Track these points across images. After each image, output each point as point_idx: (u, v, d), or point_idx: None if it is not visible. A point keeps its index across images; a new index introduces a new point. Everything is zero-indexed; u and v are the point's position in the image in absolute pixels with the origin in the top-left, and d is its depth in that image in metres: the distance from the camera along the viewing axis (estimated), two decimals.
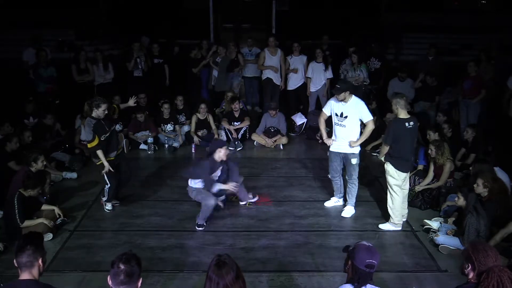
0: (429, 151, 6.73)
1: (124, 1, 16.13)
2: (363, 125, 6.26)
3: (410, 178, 7.07)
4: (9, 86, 10.59)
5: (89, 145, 6.01)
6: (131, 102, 6.76)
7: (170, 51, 11.52)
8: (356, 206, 6.49)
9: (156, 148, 8.98)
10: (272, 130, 9.21)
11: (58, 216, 5.95)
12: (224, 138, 9.19)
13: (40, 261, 3.18)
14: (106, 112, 6.01)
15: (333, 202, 6.60)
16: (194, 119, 9.19)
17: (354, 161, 6.18)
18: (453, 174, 6.85)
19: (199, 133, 9.12)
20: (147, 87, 10.16)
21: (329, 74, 9.95)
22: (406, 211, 6.07)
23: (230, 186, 6.15)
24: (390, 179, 5.82)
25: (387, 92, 10.19)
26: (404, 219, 6.03)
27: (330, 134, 6.38)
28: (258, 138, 9.25)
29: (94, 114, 5.93)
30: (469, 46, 14.43)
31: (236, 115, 9.32)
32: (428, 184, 6.72)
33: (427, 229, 5.83)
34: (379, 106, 10.27)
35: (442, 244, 5.42)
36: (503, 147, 7.99)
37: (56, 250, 5.39)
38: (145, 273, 4.71)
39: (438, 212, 6.32)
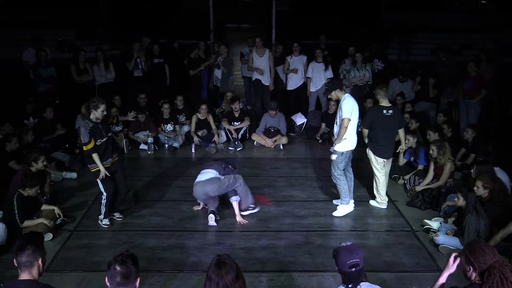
0: (431, 151, 6.73)
1: (124, 1, 16.13)
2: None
3: (410, 178, 7.11)
4: (9, 86, 10.59)
5: (84, 148, 5.69)
6: (130, 117, 6.61)
7: (170, 48, 11.51)
8: (356, 206, 6.49)
9: (156, 148, 8.98)
10: (272, 130, 9.21)
11: (58, 216, 5.95)
12: (224, 138, 9.20)
13: (40, 261, 3.18)
14: (105, 113, 5.77)
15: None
16: (194, 119, 9.19)
17: (333, 157, 6.20)
18: (453, 174, 6.85)
19: (199, 133, 9.12)
20: (147, 87, 10.16)
21: (330, 74, 9.95)
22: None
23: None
24: (371, 164, 6.41)
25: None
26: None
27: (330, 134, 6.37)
28: (258, 138, 9.25)
29: (92, 117, 5.65)
30: (469, 46, 14.43)
31: (236, 115, 9.32)
32: (428, 184, 6.72)
33: (427, 229, 5.83)
34: None
35: (442, 244, 5.42)
36: (503, 147, 7.99)
37: (56, 250, 5.39)
38: (145, 273, 4.74)
39: (438, 212, 6.32)
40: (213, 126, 9.22)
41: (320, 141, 9.29)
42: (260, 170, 7.97)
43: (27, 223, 5.57)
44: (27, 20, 14.89)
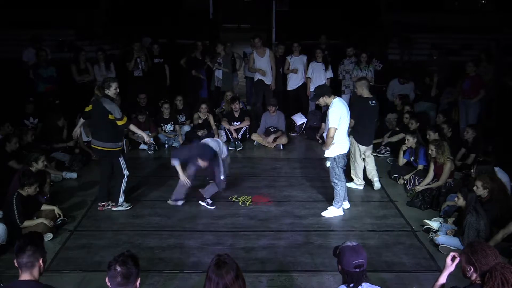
0: (430, 151, 6.73)
1: (124, 1, 16.14)
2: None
3: (410, 178, 7.11)
4: (9, 86, 10.59)
5: (119, 123, 6.00)
6: (146, 138, 6.79)
7: (172, 45, 11.51)
8: (356, 206, 6.49)
9: (156, 148, 8.98)
10: (272, 130, 9.22)
11: (58, 216, 5.95)
12: (224, 138, 9.20)
13: (40, 261, 3.18)
14: (118, 90, 6.11)
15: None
16: (195, 116, 9.27)
17: (328, 164, 6.22)
18: (453, 174, 6.85)
19: (199, 133, 9.12)
20: (147, 87, 10.16)
21: (329, 74, 9.95)
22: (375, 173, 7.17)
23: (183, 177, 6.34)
24: (353, 150, 6.82)
25: (386, 92, 10.21)
26: (377, 181, 7.13)
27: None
28: (258, 138, 9.25)
29: (110, 94, 6.02)
30: (469, 46, 14.43)
31: (236, 115, 9.32)
32: (428, 184, 6.72)
33: (427, 229, 5.83)
34: (380, 106, 10.27)
35: (442, 244, 5.42)
36: (503, 147, 7.99)
37: (56, 250, 5.39)
38: (145, 273, 4.74)
39: (438, 212, 6.32)
40: (213, 126, 9.22)
41: (320, 141, 9.29)
42: (260, 170, 7.97)
43: (27, 223, 5.57)
44: (27, 20, 14.89)
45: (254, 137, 9.31)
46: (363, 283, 3.07)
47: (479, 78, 9.00)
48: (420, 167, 7.26)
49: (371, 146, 7.18)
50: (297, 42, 10.10)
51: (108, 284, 2.80)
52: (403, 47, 14.14)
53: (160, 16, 15.26)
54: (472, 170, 6.35)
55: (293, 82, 10.17)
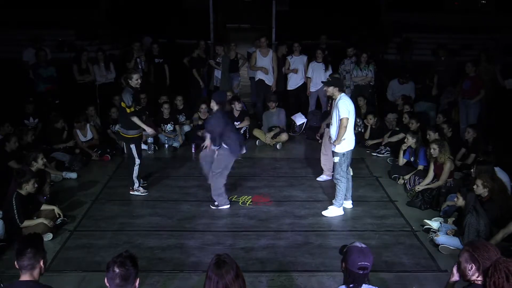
0: (432, 150, 6.73)
1: (124, 1, 16.15)
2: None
3: (410, 178, 7.11)
4: (9, 86, 10.59)
5: (128, 110, 6.52)
6: (150, 132, 7.18)
7: (171, 45, 11.52)
8: (356, 206, 6.49)
9: (156, 148, 8.98)
10: (273, 128, 9.24)
11: (58, 216, 5.95)
12: None
13: (41, 263, 3.18)
14: (140, 81, 6.62)
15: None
16: (195, 118, 9.26)
17: (336, 159, 6.21)
18: (453, 174, 6.84)
19: (199, 133, 9.11)
20: (147, 87, 10.15)
21: (329, 74, 9.94)
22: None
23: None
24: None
25: (386, 93, 10.22)
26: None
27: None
28: (258, 133, 9.25)
29: (132, 84, 6.54)
30: (469, 46, 14.44)
31: (236, 115, 9.32)
32: (428, 184, 6.72)
33: (427, 229, 5.83)
34: (379, 107, 10.30)
35: (442, 244, 5.41)
36: (503, 147, 7.98)
37: (56, 250, 5.38)
38: (145, 273, 4.74)
39: (438, 212, 6.31)
40: None
41: (320, 141, 9.26)
42: (260, 170, 7.96)
43: (27, 223, 5.56)
44: (27, 20, 14.91)
45: (255, 132, 9.31)
46: (364, 285, 3.06)
47: (479, 78, 9.00)
48: (420, 167, 7.25)
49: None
50: (297, 42, 10.10)
51: (107, 285, 2.81)
52: (403, 48, 14.16)
53: (160, 16, 15.26)
54: (471, 170, 6.35)
55: (293, 82, 10.17)
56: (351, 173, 6.63)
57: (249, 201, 6.70)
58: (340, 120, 6.00)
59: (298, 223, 6.11)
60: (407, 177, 7.19)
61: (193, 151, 8.89)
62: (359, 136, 8.95)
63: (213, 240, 5.68)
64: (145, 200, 6.79)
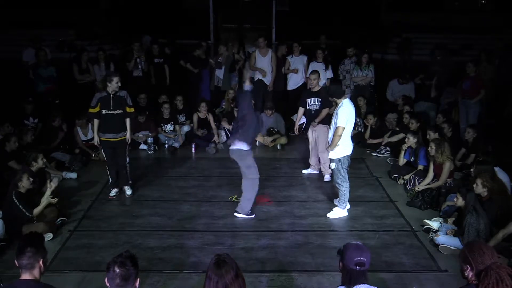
0: (429, 149, 6.73)
1: (124, 1, 16.16)
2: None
3: (410, 178, 7.11)
4: (9, 86, 10.60)
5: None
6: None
7: (171, 45, 11.53)
8: (356, 206, 6.49)
9: (156, 148, 8.98)
10: (273, 131, 9.23)
11: (55, 206, 5.94)
12: (224, 138, 9.20)
13: (40, 262, 3.18)
14: (119, 84, 6.44)
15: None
16: (195, 118, 9.21)
17: (333, 165, 6.22)
18: (453, 174, 6.84)
19: (199, 133, 9.12)
20: (147, 87, 10.16)
21: (330, 74, 9.96)
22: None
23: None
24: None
25: (386, 93, 10.22)
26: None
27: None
28: (258, 136, 9.23)
29: (109, 89, 6.41)
30: (469, 46, 14.44)
31: (236, 115, 9.30)
32: (428, 184, 6.72)
33: (427, 229, 5.83)
34: (379, 107, 10.30)
35: (442, 244, 5.41)
36: (503, 147, 7.98)
37: (56, 250, 5.38)
38: (145, 273, 4.74)
39: (438, 212, 6.31)
40: (213, 126, 9.21)
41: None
42: (260, 170, 7.92)
43: (36, 210, 5.64)
44: (27, 20, 14.92)
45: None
46: (361, 284, 3.05)
47: (479, 78, 9.00)
48: (420, 167, 7.25)
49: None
50: (297, 42, 10.10)
51: (107, 285, 2.80)
52: (402, 48, 14.16)
53: (160, 16, 15.27)
54: (471, 170, 6.35)
55: (293, 82, 10.17)
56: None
57: None
58: (336, 128, 6.02)
59: (298, 223, 6.11)
60: (407, 177, 7.19)
61: (193, 151, 8.89)
62: (359, 136, 8.97)
63: (213, 240, 5.68)
64: (145, 200, 6.79)
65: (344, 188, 6.21)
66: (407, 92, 9.85)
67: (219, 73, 10.32)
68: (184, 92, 10.22)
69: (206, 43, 11.10)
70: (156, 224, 6.08)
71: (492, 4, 17.90)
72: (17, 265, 3.15)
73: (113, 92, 6.42)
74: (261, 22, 18.85)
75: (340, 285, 3.09)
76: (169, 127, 9.28)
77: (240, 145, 6.07)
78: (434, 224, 5.79)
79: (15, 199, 5.54)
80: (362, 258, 3.00)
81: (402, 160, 7.68)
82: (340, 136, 5.98)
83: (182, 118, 9.54)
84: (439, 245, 5.43)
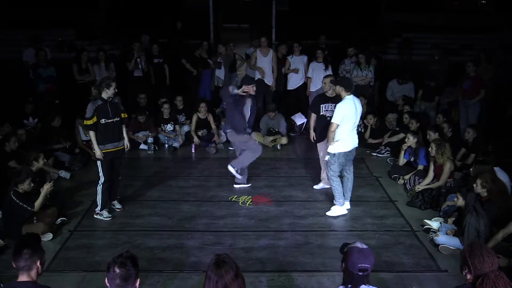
0: (430, 149, 6.73)
1: (124, 1, 16.15)
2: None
3: (410, 178, 7.11)
4: (9, 86, 10.59)
5: (84, 122, 6.05)
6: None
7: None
8: (356, 206, 6.49)
9: (156, 148, 8.98)
10: (273, 131, 9.23)
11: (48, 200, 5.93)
12: (224, 138, 9.19)
13: (38, 263, 3.17)
14: (116, 90, 6.05)
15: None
16: (194, 118, 9.19)
17: (327, 158, 6.28)
18: (453, 174, 6.84)
19: (199, 133, 9.12)
20: (147, 87, 10.16)
21: (329, 73, 9.94)
22: None
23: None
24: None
25: (386, 93, 10.21)
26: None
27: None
28: (257, 137, 9.25)
29: (104, 95, 5.97)
30: (469, 46, 14.43)
31: None
32: (428, 184, 6.72)
33: (427, 229, 5.83)
34: (380, 107, 10.30)
35: (442, 244, 5.41)
36: (503, 147, 7.98)
37: (56, 250, 5.39)
38: (145, 273, 4.74)
39: (438, 212, 6.31)
40: (213, 126, 9.21)
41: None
42: (260, 170, 7.96)
43: (37, 204, 5.62)
44: (27, 20, 14.91)
45: (254, 135, 9.30)
46: (362, 285, 3.05)
47: (479, 78, 9.00)
48: (420, 167, 7.25)
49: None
50: (297, 43, 10.11)
51: (108, 285, 2.80)
52: (403, 48, 14.14)
53: (160, 16, 15.25)
54: (471, 170, 6.35)
55: (294, 82, 10.16)
56: (350, 174, 6.60)
57: (249, 201, 6.70)
58: (330, 123, 6.04)
59: (298, 223, 6.11)
60: (407, 177, 7.19)
61: (193, 151, 8.90)
62: (359, 136, 8.94)
63: (213, 240, 5.68)
64: (145, 200, 6.79)
65: (335, 183, 6.23)
66: (407, 92, 9.85)
67: (219, 73, 10.31)
68: (184, 92, 10.23)
69: (208, 42, 11.09)
70: (156, 224, 6.08)
71: (492, 4, 17.89)
72: (14, 266, 3.15)
73: (109, 99, 5.99)
74: (261, 22, 18.83)
75: (341, 285, 3.09)
76: (169, 127, 9.28)
77: (228, 129, 7.05)
78: (434, 224, 5.79)
79: (14, 198, 5.54)
80: (365, 265, 2.98)
81: (402, 160, 7.68)
82: (333, 132, 6.01)
83: (182, 118, 9.54)
84: (439, 245, 5.43)
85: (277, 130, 9.26)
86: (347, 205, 6.46)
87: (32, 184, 5.79)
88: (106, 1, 16.50)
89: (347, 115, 5.99)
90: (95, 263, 5.12)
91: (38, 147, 7.50)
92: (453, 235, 5.43)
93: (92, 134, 6.00)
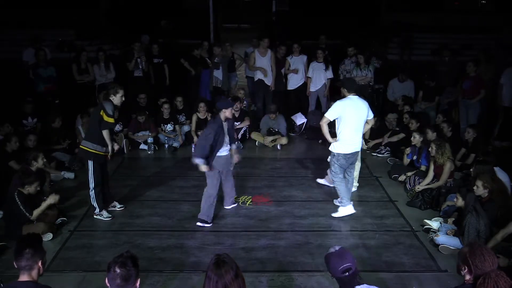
0: (430, 149, 6.73)
1: (124, 1, 16.16)
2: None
3: (410, 178, 7.10)
4: (9, 86, 10.59)
5: (107, 119, 5.85)
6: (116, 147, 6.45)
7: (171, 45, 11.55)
8: (356, 206, 6.48)
9: (156, 148, 8.98)
10: (273, 131, 9.23)
11: (57, 207, 5.93)
12: None
13: (39, 263, 3.18)
14: (123, 98, 6.02)
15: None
16: (194, 118, 9.19)
17: (328, 158, 6.27)
18: (453, 174, 6.84)
19: (199, 133, 9.11)
20: (147, 87, 10.16)
21: (330, 74, 9.95)
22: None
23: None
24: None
25: (386, 93, 10.21)
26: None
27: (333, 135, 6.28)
28: (257, 137, 9.25)
29: (116, 100, 5.95)
30: (469, 46, 14.44)
31: (236, 115, 9.30)
32: (428, 184, 6.72)
33: (427, 229, 5.83)
34: (380, 107, 10.29)
35: (442, 244, 5.41)
36: (503, 146, 7.99)
37: (56, 250, 5.39)
38: (145, 273, 4.74)
39: (438, 212, 6.31)
40: None
41: (320, 141, 9.29)
42: (260, 170, 7.96)
43: (36, 213, 5.60)
44: (27, 20, 14.92)
45: (254, 135, 9.31)
46: (358, 286, 3.04)
47: (479, 78, 8.99)
48: (422, 167, 7.24)
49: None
50: (297, 43, 10.11)
51: (108, 285, 2.80)
52: (403, 46, 14.15)
53: (160, 16, 15.26)
54: (471, 170, 6.34)
55: (294, 82, 10.17)
56: (354, 175, 6.60)
57: (249, 201, 6.70)
58: (323, 116, 6.09)
59: (298, 223, 6.11)
60: (409, 173, 7.18)
61: (193, 151, 8.88)
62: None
63: (213, 240, 5.68)
64: (145, 200, 6.79)
65: (337, 183, 6.22)
66: (407, 92, 9.85)
67: (217, 73, 10.31)
68: (184, 92, 10.23)
69: (208, 42, 11.09)
70: (156, 224, 6.08)
71: (492, 4, 17.90)
72: (15, 266, 3.15)
73: (118, 105, 6.02)
74: (261, 22, 18.86)
75: None
76: (169, 127, 9.28)
77: (196, 159, 5.94)
78: (434, 224, 5.79)
79: (17, 199, 5.54)
80: (346, 265, 2.99)
81: (406, 160, 7.68)
82: (323, 125, 6.02)
83: (182, 118, 9.54)
84: (439, 245, 5.43)
85: (277, 130, 9.26)
86: (351, 206, 6.44)
87: (38, 188, 5.82)
88: (106, 1, 16.51)
89: (345, 115, 5.95)
90: (95, 263, 5.12)
91: (39, 147, 7.52)
92: (453, 235, 5.43)
93: (106, 133, 5.91)
